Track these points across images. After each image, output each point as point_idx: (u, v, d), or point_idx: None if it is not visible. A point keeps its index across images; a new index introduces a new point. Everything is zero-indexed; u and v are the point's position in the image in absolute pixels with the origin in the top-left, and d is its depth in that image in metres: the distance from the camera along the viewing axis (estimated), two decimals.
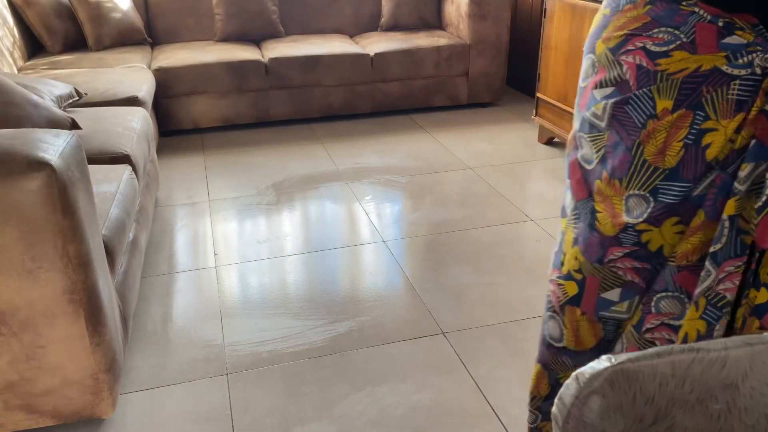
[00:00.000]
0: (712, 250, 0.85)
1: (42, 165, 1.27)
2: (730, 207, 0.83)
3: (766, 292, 0.84)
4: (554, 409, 0.65)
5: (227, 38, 4.05)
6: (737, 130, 0.82)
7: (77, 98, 2.56)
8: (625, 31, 0.90)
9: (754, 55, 0.80)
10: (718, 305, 0.86)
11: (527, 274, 2.27)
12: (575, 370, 0.71)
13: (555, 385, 1.15)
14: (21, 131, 1.38)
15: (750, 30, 0.80)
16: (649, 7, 0.87)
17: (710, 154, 0.84)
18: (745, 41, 0.80)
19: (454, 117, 4.04)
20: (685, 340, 0.90)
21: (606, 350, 1.05)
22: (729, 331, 0.89)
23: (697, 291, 0.87)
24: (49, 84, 2.43)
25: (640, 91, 0.88)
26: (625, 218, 0.92)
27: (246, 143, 3.63)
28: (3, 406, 1.47)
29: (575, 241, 1.01)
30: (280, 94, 3.81)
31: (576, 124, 1.01)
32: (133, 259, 1.95)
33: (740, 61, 0.81)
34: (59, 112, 2.20)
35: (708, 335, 0.87)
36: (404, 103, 4.05)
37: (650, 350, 0.64)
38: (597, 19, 0.97)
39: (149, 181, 2.52)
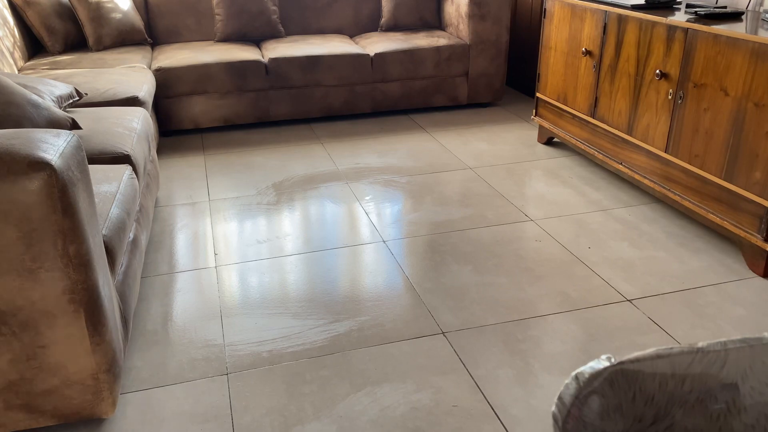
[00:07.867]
0: None
1: (42, 165, 1.27)
2: None
3: None
4: (554, 408, 0.65)
5: (227, 38, 4.05)
6: None
7: (77, 98, 2.56)
8: None
9: None
10: None
11: (527, 274, 2.27)
12: None
13: None
14: (21, 131, 1.38)
15: None
16: None
17: None
18: None
19: (454, 117, 4.04)
20: None
21: None
22: None
23: None
24: (50, 84, 2.43)
25: None
26: None
27: (246, 143, 3.63)
28: (3, 406, 1.47)
29: None
30: (280, 94, 3.81)
31: None
32: (134, 259, 1.95)
33: None
34: (59, 112, 2.20)
35: None
36: (404, 103, 4.05)
37: (650, 350, 0.64)
38: None
39: (149, 181, 2.52)
